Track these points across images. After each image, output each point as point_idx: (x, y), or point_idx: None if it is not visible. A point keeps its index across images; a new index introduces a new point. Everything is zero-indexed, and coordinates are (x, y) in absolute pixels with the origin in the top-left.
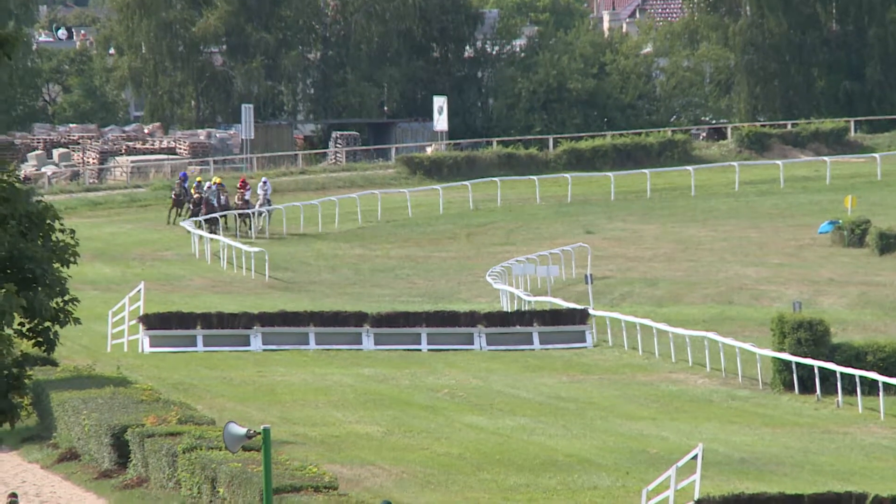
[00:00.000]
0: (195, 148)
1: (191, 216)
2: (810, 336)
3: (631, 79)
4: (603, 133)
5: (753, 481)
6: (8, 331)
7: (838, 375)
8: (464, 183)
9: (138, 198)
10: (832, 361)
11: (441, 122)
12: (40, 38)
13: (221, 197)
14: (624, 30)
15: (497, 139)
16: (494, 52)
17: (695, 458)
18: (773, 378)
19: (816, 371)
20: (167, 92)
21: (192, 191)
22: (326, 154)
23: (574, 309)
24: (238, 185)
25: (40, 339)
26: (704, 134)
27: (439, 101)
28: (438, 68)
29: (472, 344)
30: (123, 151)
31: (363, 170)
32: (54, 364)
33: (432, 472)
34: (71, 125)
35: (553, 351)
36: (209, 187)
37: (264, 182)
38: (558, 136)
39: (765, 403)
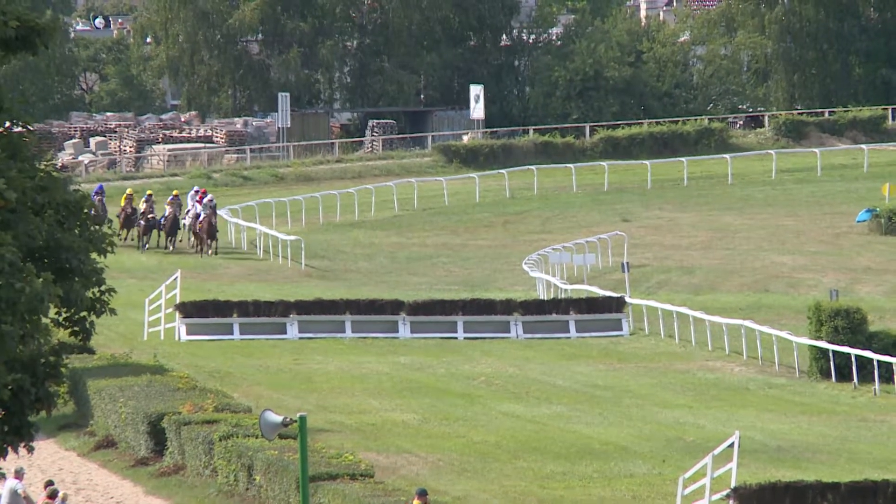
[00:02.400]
0: (232, 136)
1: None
2: (847, 324)
3: (668, 67)
4: (640, 121)
5: (790, 469)
6: (45, 320)
7: (875, 363)
8: (500, 171)
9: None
10: (869, 349)
11: (478, 110)
12: (77, 27)
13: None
14: (661, 18)
15: (533, 127)
16: (531, 41)
17: (731, 446)
18: (810, 366)
19: (853, 359)
20: (204, 81)
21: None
22: (363, 142)
23: (610, 297)
24: (170, 200)
25: (76, 329)
26: (741, 122)
27: (476, 90)
28: (475, 56)
29: (509, 332)
30: (160, 140)
31: (399, 158)
32: (91, 352)
33: (468, 459)
34: (108, 113)
35: (589, 339)
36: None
37: (198, 192)
38: (595, 124)
39: (801, 391)
